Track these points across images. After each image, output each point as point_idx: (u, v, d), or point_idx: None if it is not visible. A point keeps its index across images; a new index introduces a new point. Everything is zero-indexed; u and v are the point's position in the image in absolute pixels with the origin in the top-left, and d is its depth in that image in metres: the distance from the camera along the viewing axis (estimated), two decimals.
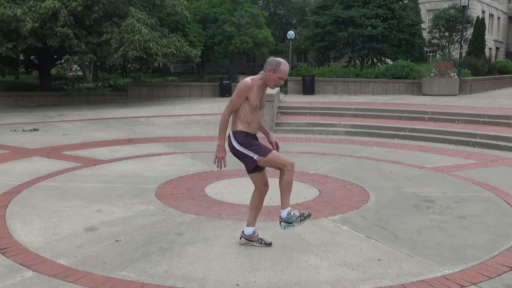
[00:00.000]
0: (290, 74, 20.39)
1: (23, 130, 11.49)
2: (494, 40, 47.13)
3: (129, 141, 10.27)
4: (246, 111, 3.83)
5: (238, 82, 3.92)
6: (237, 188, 5.97)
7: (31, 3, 15.73)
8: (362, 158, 8.64)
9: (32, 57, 20.81)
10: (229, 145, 3.89)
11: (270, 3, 37.38)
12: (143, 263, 3.77)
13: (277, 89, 13.79)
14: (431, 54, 34.75)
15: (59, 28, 15.57)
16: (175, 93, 21.16)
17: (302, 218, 3.88)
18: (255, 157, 3.82)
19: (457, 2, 26.67)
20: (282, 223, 3.93)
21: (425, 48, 30.82)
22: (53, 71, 26.01)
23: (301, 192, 5.99)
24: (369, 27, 24.25)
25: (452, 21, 29.25)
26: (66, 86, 22.92)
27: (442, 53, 31.14)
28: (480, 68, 24.23)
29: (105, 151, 8.92)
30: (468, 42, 28.02)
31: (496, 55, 45.82)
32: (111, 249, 4.07)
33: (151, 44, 16.50)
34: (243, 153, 3.84)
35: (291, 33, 26.68)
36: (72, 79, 26.27)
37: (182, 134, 11.51)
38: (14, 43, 15.74)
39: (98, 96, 20.56)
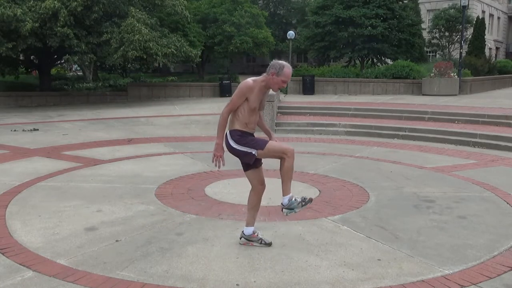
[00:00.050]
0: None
1: (23, 130, 11.49)
2: (494, 40, 47.13)
3: (129, 141, 10.27)
4: (245, 112, 3.84)
5: (238, 82, 3.93)
6: (237, 188, 5.98)
7: (31, 3, 15.73)
8: (362, 158, 8.64)
9: (32, 57, 20.81)
10: (226, 144, 3.90)
11: (270, 3, 37.39)
12: (143, 263, 3.77)
13: None
14: (431, 54, 34.76)
15: (59, 28, 15.57)
16: (175, 93, 21.16)
17: (303, 203, 3.88)
18: (253, 152, 3.83)
19: (457, 2, 26.68)
20: (284, 209, 3.93)
21: (425, 48, 30.83)
22: (53, 71, 26.01)
23: (301, 192, 5.97)
24: (369, 27, 24.26)
25: (452, 21, 29.26)
26: (66, 86, 22.92)
27: (442, 53, 31.15)
28: (480, 68, 24.24)
29: (105, 151, 8.91)
30: (468, 42, 28.02)
31: (496, 55, 45.82)
32: (111, 249, 4.07)
33: (151, 44, 16.50)
34: (241, 150, 3.85)
35: (291, 33, 26.68)
36: (72, 79, 26.27)
37: (182, 134, 11.51)
38: (14, 43, 15.74)
39: (98, 96, 20.56)
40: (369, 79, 20.97)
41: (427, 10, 39.35)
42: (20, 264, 3.74)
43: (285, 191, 3.89)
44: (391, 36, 24.84)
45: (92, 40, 16.98)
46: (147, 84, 23.06)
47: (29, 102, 18.72)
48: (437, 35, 30.44)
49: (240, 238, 4.22)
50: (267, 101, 10.76)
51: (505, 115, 12.09)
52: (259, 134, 4.04)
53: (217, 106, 15.93)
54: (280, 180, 3.93)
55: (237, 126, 3.87)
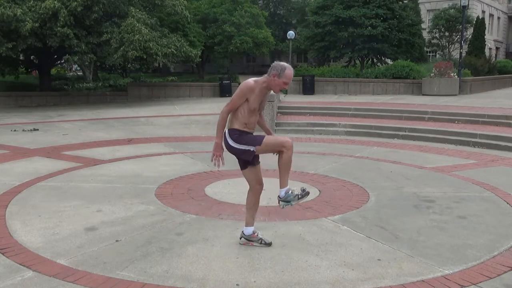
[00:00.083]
0: None
1: (23, 130, 11.49)
2: (494, 40, 47.12)
3: (129, 141, 10.27)
4: (245, 112, 3.83)
5: (238, 82, 3.93)
6: (237, 188, 5.97)
7: (31, 3, 15.73)
8: (362, 158, 8.64)
9: (32, 57, 20.81)
10: (225, 143, 3.91)
11: (270, 3, 37.38)
12: (143, 263, 3.77)
13: None
14: (431, 54, 34.76)
15: (59, 28, 15.57)
16: (175, 93, 21.16)
17: (300, 196, 3.89)
18: (251, 149, 3.83)
19: (457, 2, 26.68)
20: (280, 202, 3.94)
21: (425, 48, 30.83)
22: (53, 71, 26.01)
23: None
24: (369, 27, 24.26)
25: (452, 21, 29.26)
26: (66, 86, 22.92)
27: (442, 53, 31.15)
28: (480, 68, 24.24)
29: (105, 151, 8.91)
30: (468, 42, 28.02)
31: (496, 55, 45.82)
32: (111, 249, 4.07)
33: (151, 44, 16.50)
34: (239, 149, 3.86)
35: (291, 33, 26.68)
36: (72, 79, 26.26)
37: (182, 134, 11.51)
38: (14, 43, 15.74)
39: (98, 96, 20.56)
40: (369, 79, 20.98)
41: (427, 10, 39.35)
42: (20, 264, 3.74)
43: (282, 183, 3.90)
44: (391, 36, 24.84)
45: (92, 40, 16.98)
46: (147, 84, 23.06)
47: (29, 102, 18.72)
48: (437, 35, 30.44)
49: (240, 238, 4.22)
50: (267, 101, 10.78)
51: (505, 115, 12.09)
52: (259, 133, 4.03)
53: (217, 106, 15.92)
54: (278, 179, 3.93)
55: (236, 126, 3.87)
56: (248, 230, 4.18)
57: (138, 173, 7.03)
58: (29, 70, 23.39)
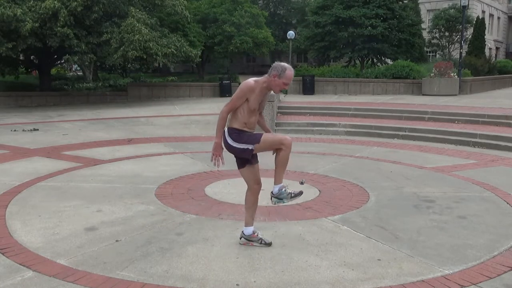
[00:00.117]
0: None
1: (23, 130, 11.49)
2: (494, 40, 47.12)
3: (129, 141, 10.27)
4: (244, 112, 3.83)
5: (238, 82, 3.93)
6: (237, 188, 5.96)
7: (31, 3, 15.73)
8: (362, 158, 8.64)
9: (32, 57, 20.81)
10: (224, 142, 3.91)
11: (270, 3, 37.38)
12: (143, 263, 3.77)
13: None
14: (431, 54, 34.76)
15: (59, 28, 15.57)
16: (175, 93, 21.16)
17: (292, 195, 3.91)
18: (250, 147, 3.83)
19: (457, 2, 26.68)
20: (273, 198, 3.96)
21: (425, 48, 30.83)
22: (53, 71, 26.01)
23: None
24: (369, 27, 24.26)
25: (452, 21, 29.26)
26: (66, 86, 22.92)
27: (442, 53, 31.15)
28: (480, 68, 24.24)
29: (105, 151, 8.92)
30: (468, 42, 28.02)
31: (496, 55, 45.82)
32: (111, 249, 4.07)
33: (151, 44, 16.50)
34: (238, 148, 3.86)
35: (291, 33, 26.68)
36: (72, 79, 26.27)
37: (182, 134, 11.51)
38: (14, 43, 15.74)
39: (98, 96, 20.56)
40: (369, 79, 20.98)
41: (427, 10, 39.35)
42: (20, 264, 3.74)
43: (277, 180, 3.91)
44: (391, 36, 24.84)
45: (92, 40, 16.98)
46: (147, 84, 23.06)
47: (29, 102, 18.72)
48: (437, 35, 30.44)
49: (240, 238, 4.22)
50: (267, 101, 10.78)
51: (505, 115, 12.09)
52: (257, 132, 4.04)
53: (217, 106, 15.92)
54: None
55: (236, 125, 3.87)
56: (248, 230, 4.18)
57: (138, 173, 7.03)
58: (29, 70, 23.40)
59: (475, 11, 38.66)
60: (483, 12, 42.67)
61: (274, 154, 3.93)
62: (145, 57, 17.14)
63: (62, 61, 21.39)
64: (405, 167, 7.77)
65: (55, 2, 15.27)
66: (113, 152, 8.83)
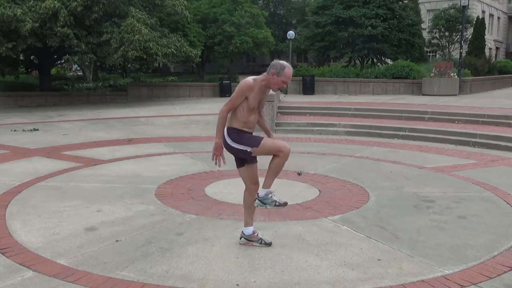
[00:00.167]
0: None
1: (23, 130, 11.49)
2: (494, 40, 47.13)
3: (129, 141, 10.27)
4: (244, 111, 3.83)
5: (238, 82, 3.93)
6: (237, 188, 5.95)
7: (31, 3, 15.73)
8: (362, 158, 8.64)
9: (32, 57, 20.82)
10: (223, 141, 3.91)
11: (270, 3, 37.39)
12: (143, 263, 3.77)
13: None
14: (431, 54, 34.76)
15: (59, 28, 15.57)
16: (175, 93, 21.17)
17: (276, 203, 3.93)
18: (248, 150, 3.83)
19: (457, 2, 26.68)
20: (257, 200, 3.97)
21: (425, 48, 30.83)
22: (53, 71, 26.02)
23: (301, 192, 5.99)
24: (369, 27, 24.26)
25: (452, 21, 29.26)
26: (66, 86, 22.93)
27: (442, 53, 31.15)
28: (480, 68, 24.24)
29: (105, 151, 8.92)
30: (468, 42, 28.02)
31: (496, 55, 45.82)
32: (111, 249, 4.07)
33: (151, 44, 16.50)
34: (237, 148, 3.85)
35: (291, 33, 26.69)
36: (72, 79, 26.28)
37: (182, 134, 11.51)
38: (14, 43, 15.75)
39: (98, 96, 20.57)
40: (369, 79, 20.98)
41: (427, 10, 39.35)
42: (20, 264, 3.74)
43: (266, 184, 3.92)
44: (391, 36, 24.84)
45: (92, 40, 16.98)
46: (147, 84, 23.07)
47: (29, 102, 18.72)
48: (437, 35, 30.44)
49: (240, 238, 4.22)
50: (267, 101, 10.77)
51: (505, 115, 12.09)
52: (258, 133, 4.03)
53: (217, 106, 15.91)
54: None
55: (235, 125, 3.86)
56: (248, 230, 4.18)
57: (138, 173, 7.03)
58: (29, 70, 23.41)
59: (475, 11, 38.67)
60: (483, 12, 42.68)
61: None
62: (145, 57, 17.14)
63: (62, 61, 21.40)
64: (405, 167, 7.77)
65: (55, 2, 15.27)
66: (113, 152, 8.83)
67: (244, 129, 3.86)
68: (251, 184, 4.08)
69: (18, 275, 3.54)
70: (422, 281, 3.54)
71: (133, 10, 16.88)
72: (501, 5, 48.81)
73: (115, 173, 7.07)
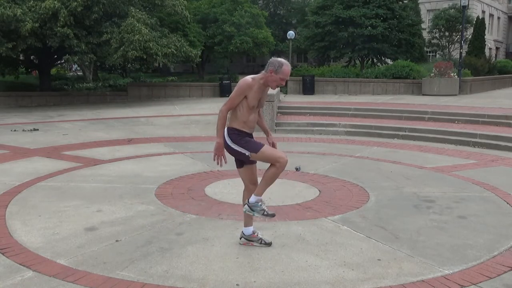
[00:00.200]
0: (290, 74, 20.36)
1: (23, 130, 11.49)
2: (494, 40, 47.13)
3: (129, 141, 10.27)
4: (243, 110, 3.82)
5: (238, 82, 3.92)
6: (237, 188, 5.95)
7: (31, 3, 15.73)
8: (362, 158, 8.64)
9: (32, 57, 20.83)
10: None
11: (270, 3, 37.39)
12: (143, 263, 3.77)
13: (277, 89, 13.80)
14: (431, 54, 34.76)
15: (59, 28, 15.57)
16: (175, 93, 21.17)
17: (264, 213, 3.90)
18: (247, 153, 3.83)
19: (457, 2, 26.68)
20: (245, 205, 3.95)
21: (425, 48, 30.83)
22: (53, 71, 26.02)
23: (301, 192, 5.99)
24: (369, 27, 24.26)
25: (452, 21, 29.25)
26: (66, 86, 22.93)
27: (442, 53, 31.14)
28: (480, 68, 24.24)
29: (105, 151, 8.92)
30: (468, 42, 28.02)
31: (496, 55, 45.83)
32: (111, 249, 4.07)
33: (151, 44, 16.50)
34: (236, 150, 3.85)
35: (291, 33, 26.69)
36: (72, 79, 26.28)
37: (182, 134, 11.51)
38: (14, 43, 15.75)
39: (98, 96, 20.56)
40: (369, 79, 20.98)
41: (427, 10, 39.35)
42: (20, 264, 3.74)
43: (258, 191, 3.90)
44: (391, 36, 24.84)
45: (92, 40, 16.99)
46: (147, 84, 23.07)
47: (29, 102, 18.72)
48: (437, 35, 30.43)
49: (240, 238, 4.22)
50: (267, 101, 10.78)
51: (505, 115, 12.09)
52: (258, 134, 4.04)
53: (217, 106, 15.88)
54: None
55: (235, 125, 3.86)
56: (248, 230, 4.18)
57: (138, 173, 7.03)
58: (29, 70, 23.41)
59: (475, 11, 38.67)
60: (483, 12, 42.68)
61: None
62: (145, 57, 17.14)
63: (62, 61, 21.40)
64: (405, 167, 7.77)
65: (55, 2, 15.27)
66: (113, 152, 8.83)
67: (245, 129, 3.85)
68: (250, 184, 4.08)
69: (18, 275, 3.54)
70: (422, 281, 3.54)
71: (133, 10, 16.88)
72: (501, 5, 48.81)
73: (115, 173, 7.07)
